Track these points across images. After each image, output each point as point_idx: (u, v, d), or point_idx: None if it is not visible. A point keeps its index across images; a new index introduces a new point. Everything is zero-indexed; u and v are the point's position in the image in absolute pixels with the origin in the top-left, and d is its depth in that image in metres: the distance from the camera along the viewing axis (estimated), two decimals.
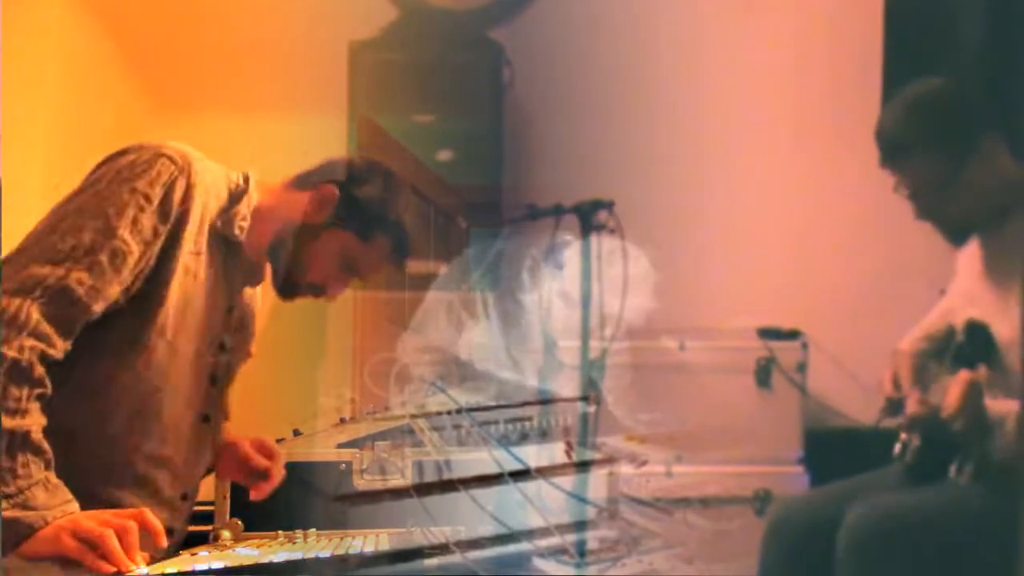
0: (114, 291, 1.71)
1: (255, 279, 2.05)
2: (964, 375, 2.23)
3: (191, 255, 1.83)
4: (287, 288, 2.01)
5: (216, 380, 1.94)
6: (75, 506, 1.60)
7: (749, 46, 3.41)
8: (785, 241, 3.35)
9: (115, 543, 1.54)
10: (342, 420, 2.01)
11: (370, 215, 1.98)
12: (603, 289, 2.26)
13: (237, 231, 1.91)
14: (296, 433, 1.96)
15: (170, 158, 1.81)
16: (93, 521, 1.56)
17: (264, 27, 3.24)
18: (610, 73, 3.39)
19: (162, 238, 1.77)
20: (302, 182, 2.02)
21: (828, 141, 3.33)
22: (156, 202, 1.76)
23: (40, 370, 1.61)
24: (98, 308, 1.69)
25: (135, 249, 1.73)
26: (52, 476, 1.60)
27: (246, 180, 1.97)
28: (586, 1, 3.44)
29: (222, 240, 1.90)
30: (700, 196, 3.32)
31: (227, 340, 1.96)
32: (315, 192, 1.99)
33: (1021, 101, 2.52)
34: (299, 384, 2.78)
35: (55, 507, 1.57)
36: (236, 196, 1.92)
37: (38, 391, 1.61)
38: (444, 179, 3.39)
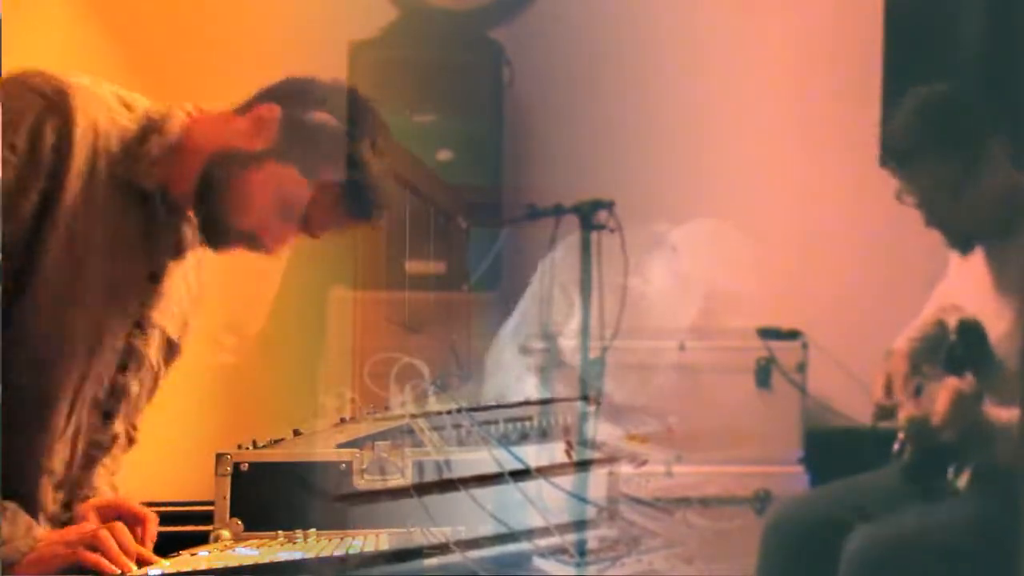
0: None
1: (192, 239, 1.67)
2: (952, 383, 2.23)
3: (79, 214, 1.49)
4: (214, 234, 1.61)
5: (127, 367, 1.65)
6: (39, 531, 1.49)
7: (749, 46, 3.41)
8: (785, 241, 3.35)
9: (112, 542, 1.45)
10: (342, 420, 2.00)
11: (318, 147, 1.59)
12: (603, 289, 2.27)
13: (144, 178, 1.56)
14: (296, 433, 1.96)
15: (39, 93, 1.47)
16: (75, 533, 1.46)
17: (264, 27, 3.24)
18: (610, 73, 3.39)
19: (35, 191, 1.45)
20: (246, 106, 1.64)
21: (828, 141, 3.33)
22: (22, 151, 1.44)
23: None
24: None
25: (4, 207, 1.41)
26: (7, 504, 1.45)
27: (167, 110, 1.61)
28: (586, 1, 3.44)
29: (133, 190, 1.57)
30: (700, 196, 3.32)
31: (152, 321, 1.66)
32: (252, 112, 1.61)
33: (1022, 104, 2.52)
34: (299, 384, 2.78)
35: (19, 538, 1.44)
36: (145, 132, 1.57)
37: None
38: (444, 179, 3.39)
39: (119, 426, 1.72)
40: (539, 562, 1.65)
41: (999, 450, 2.20)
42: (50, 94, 1.48)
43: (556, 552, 1.66)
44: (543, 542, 1.65)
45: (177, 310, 1.76)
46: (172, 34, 3.22)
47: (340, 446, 1.82)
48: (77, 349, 1.56)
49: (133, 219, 1.58)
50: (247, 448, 1.85)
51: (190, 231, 1.66)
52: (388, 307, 3.14)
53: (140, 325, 1.65)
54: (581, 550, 1.69)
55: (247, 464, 1.81)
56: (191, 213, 1.63)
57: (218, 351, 3.23)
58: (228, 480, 1.89)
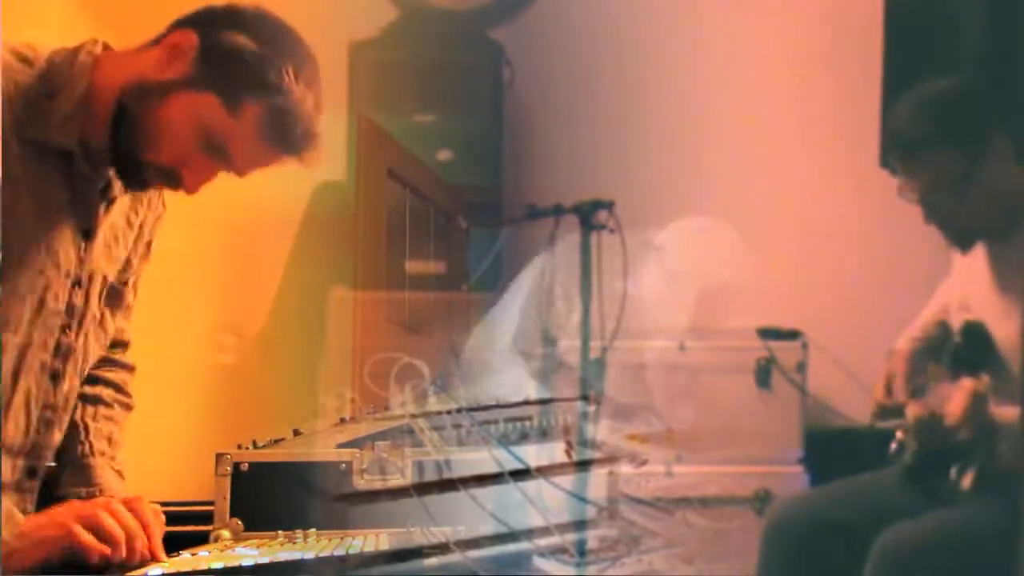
0: None
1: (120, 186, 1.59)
2: (968, 384, 2.20)
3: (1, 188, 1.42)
4: (131, 173, 1.52)
5: (69, 327, 1.60)
6: (19, 516, 1.46)
7: (749, 46, 3.41)
8: (785, 241, 3.35)
9: (110, 521, 1.43)
10: (342, 420, 2.00)
11: (238, 72, 1.48)
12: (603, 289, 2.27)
13: (60, 136, 1.47)
14: (296, 433, 1.96)
15: None
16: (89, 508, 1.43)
17: None
18: (610, 73, 3.39)
19: None
20: (159, 37, 1.55)
21: (828, 141, 3.33)
22: None
23: None
24: None
25: None
26: None
27: (71, 56, 1.51)
28: (586, 1, 3.44)
29: (51, 150, 1.49)
30: (700, 196, 3.32)
31: (83, 273, 1.59)
32: (166, 40, 1.52)
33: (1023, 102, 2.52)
34: (299, 384, 2.78)
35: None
36: (52, 88, 1.48)
37: None
38: (444, 179, 3.39)
39: (67, 384, 1.66)
40: (539, 562, 1.65)
41: (1002, 450, 2.19)
42: None
43: (556, 552, 1.66)
44: (543, 542, 1.65)
45: (118, 253, 1.69)
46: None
47: (340, 446, 1.82)
48: (20, 317, 1.51)
49: (57, 179, 1.52)
50: (247, 448, 1.85)
51: (117, 177, 1.59)
52: (388, 307, 3.14)
53: (79, 282, 1.59)
54: (581, 550, 1.69)
55: (247, 464, 1.81)
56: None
57: (218, 351, 3.23)
58: (228, 480, 1.88)
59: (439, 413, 1.78)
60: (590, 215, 2.32)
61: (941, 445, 2.28)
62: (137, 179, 1.54)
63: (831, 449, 3.03)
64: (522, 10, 3.53)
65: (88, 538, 1.45)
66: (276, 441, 1.89)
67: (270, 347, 3.22)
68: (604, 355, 2.33)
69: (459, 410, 1.77)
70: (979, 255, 2.38)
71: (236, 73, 1.49)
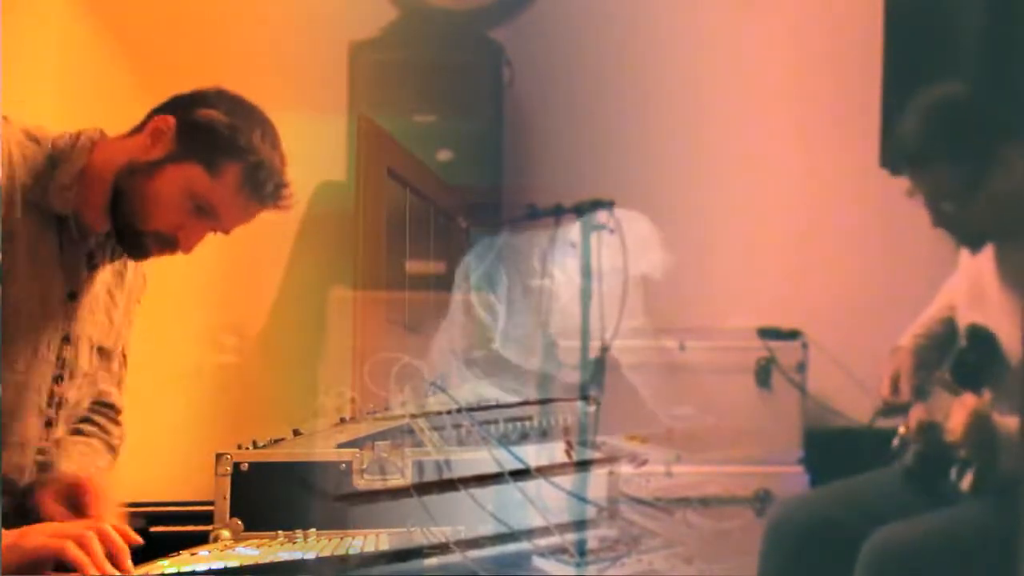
0: None
1: (110, 254, 1.82)
2: (970, 400, 2.20)
3: (5, 241, 1.63)
4: (131, 243, 1.75)
5: (61, 378, 1.79)
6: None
7: (749, 46, 3.41)
8: (785, 241, 3.35)
9: (97, 546, 1.47)
10: (342, 420, 2.00)
11: (212, 140, 1.71)
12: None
13: (57, 203, 1.69)
14: (296, 433, 1.96)
15: None
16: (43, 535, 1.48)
17: (264, 27, 3.24)
18: (610, 73, 3.39)
19: None
20: (140, 125, 1.78)
21: (828, 141, 3.33)
22: None
23: None
24: None
25: None
26: None
27: (73, 139, 1.75)
28: (586, 1, 3.44)
29: (47, 215, 1.70)
30: (700, 196, 3.32)
31: (72, 331, 1.78)
32: (148, 126, 1.75)
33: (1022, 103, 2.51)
34: (299, 384, 2.78)
35: None
36: (54, 163, 1.71)
37: None
38: (444, 179, 3.39)
39: (60, 431, 1.83)
40: (539, 562, 1.65)
41: (1003, 454, 2.19)
42: None
43: (556, 552, 1.66)
44: (543, 542, 1.65)
45: (104, 319, 1.87)
46: (171, 34, 3.22)
47: (340, 446, 1.82)
48: (17, 364, 1.70)
49: (49, 242, 1.72)
50: (247, 448, 1.85)
51: (99, 248, 1.80)
52: (388, 307, 3.14)
53: (68, 338, 1.78)
54: (581, 550, 1.69)
55: (247, 464, 1.81)
56: (99, 230, 1.77)
57: (218, 351, 3.23)
58: (228, 480, 1.88)
59: (439, 413, 1.78)
60: (590, 215, 2.32)
61: (941, 446, 2.28)
62: (138, 248, 1.76)
63: (831, 449, 3.03)
64: (522, 10, 3.53)
65: (80, 558, 1.48)
66: (276, 441, 1.90)
67: (270, 347, 3.22)
68: (604, 355, 2.33)
69: (459, 410, 1.77)
70: (987, 253, 2.37)
71: (212, 142, 1.71)
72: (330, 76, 3.25)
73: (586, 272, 2.27)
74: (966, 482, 2.25)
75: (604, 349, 2.25)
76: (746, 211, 3.33)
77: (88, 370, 1.86)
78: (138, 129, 1.78)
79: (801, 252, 3.36)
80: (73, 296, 1.77)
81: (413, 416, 1.77)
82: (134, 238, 1.74)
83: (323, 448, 1.85)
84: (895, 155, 2.33)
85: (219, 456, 1.82)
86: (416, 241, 3.30)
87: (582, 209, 2.33)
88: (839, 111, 3.29)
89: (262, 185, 1.74)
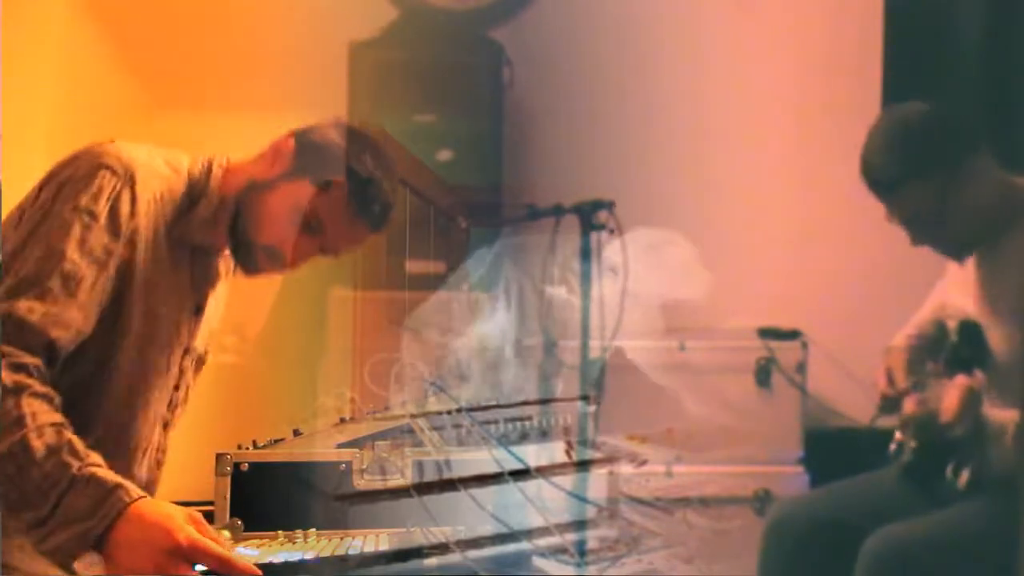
0: (73, 315, 1.60)
1: (225, 270, 1.93)
2: (962, 381, 2.22)
3: (151, 268, 1.73)
4: (245, 257, 1.84)
5: (178, 387, 1.91)
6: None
7: (749, 46, 3.41)
8: (785, 241, 3.35)
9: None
10: (342, 420, 2.00)
11: (326, 157, 1.81)
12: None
13: (197, 237, 1.80)
14: (296, 433, 1.96)
15: (111, 169, 1.67)
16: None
17: (264, 27, 3.24)
18: (610, 73, 3.39)
19: (116, 256, 1.66)
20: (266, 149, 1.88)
21: (828, 141, 3.33)
22: (103, 219, 1.65)
23: (36, 385, 1.53)
24: (58, 334, 1.59)
25: (87, 271, 1.62)
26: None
27: (207, 172, 1.82)
28: (586, 1, 3.44)
29: (186, 245, 1.80)
30: (700, 196, 3.32)
31: (194, 345, 1.91)
32: (271, 147, 1.84)
33: (1022, 104, 2.51)
34: (299, 384, 2.78)
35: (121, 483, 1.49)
36: (194, 196, 1.79)
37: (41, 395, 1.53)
38: (444, 179, 3.38)
39: (174, 431, 1.96)
40: (539, 562, 1.65)
41: (997, 450, 2.20)
42: (120, 172, 1.67)
43: (556, 552, 1.66)
44: (543, 542, 1.66)
45: (207, 329, 1.97)
46: (172, 35, 3.22)
47: (340, 446, 1.82)
48: (152, 380, 1.80)
49: (184, 267, 1.81)
50: (247, 448, 1.85)
51: (223, 263, 1.91)
52: (388, 307, 3.14)
53: (187, 350, 1.89)
54: (581, 550, 1.70)
55: (247, 464, 1.81)
56: (224, 250, 1.86)
57: (218, 351, 3.23)
58: (228, 480, 1.89)
59: (439, 413, 1.78)
60: (590, 215, 2.32)
61: (937, 443, 2.28)
62: (251, 262, 1.83)
63: (831, 449, 3.03)
64: (522, 10, 3.53)
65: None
66: (276, 441, 1.90)
67: (270, 347, 3.22)
68: (604, 355, 2.33)
69: (459, 410, 1.77)
70: (972, 259, 2.39)
71: (324, 160, 1.80)
72: (330, 76, 3.25)
73: (586, 272, 2.27)
74: (962, 479, 2.26)
75: (604, 349, 2.25)
76: (746, 211, 3.33)
77: (191, 381, 1.96)
78: (262, 154, 1.86)
79: (801, 252, 3.36)
80: (198, 310, 1.88)
81: (413, 416, 1.77)
82: (247, 253, 1.82)
83: (323, 448, 1.85)
84: (866, 181, 2.34)
85: (219, 456, 1.82)
86: (416, 241, 3.30)
87: (582, 209, 2.33)
88: (839, 112, 3.29)
89: (369, 204, 1.81)
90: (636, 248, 2.14)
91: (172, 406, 1.92)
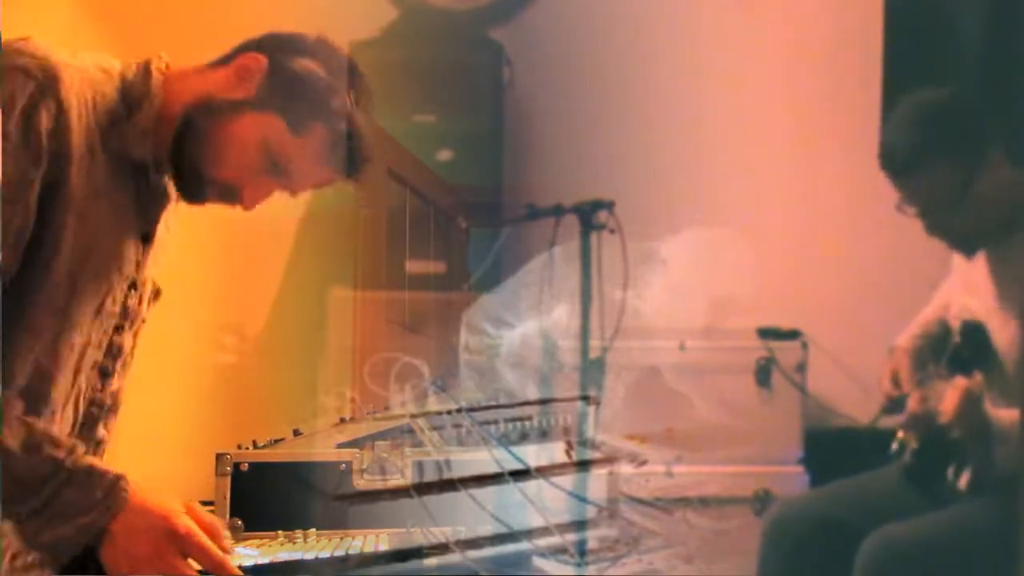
0: None
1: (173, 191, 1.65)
2: (961, 382, 2.22)
3: (85, 192, 1.48)
4: (192, 186, 1.57)
5: (121, 328, 1.65)
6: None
7: (749, 46, 3.41)
8: (785, 241, 3.35)
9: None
10: (342, 420, 2.00)
11: (305, 96, 1.56)
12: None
13: (137, 149, 1.53)
14: (296, 433, 1.96)
15: (24, 70, 1.41)
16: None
17: (264, 27, 3.23)
18: (610, 73, 3.39)
19: (37, 183, 1.42)
20: (226, 58, 1.61)
21: (828, 141, 3.33)
22: (16, 138, 1.39)
23: None
24: None
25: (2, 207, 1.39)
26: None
27: (144, 74, 1.56)
28: (586, 1, 3.44)
29: (125, 160, 1.54)
30: (700, 196, 3.32)
31: (143, 278, 1.66)
32: (235, 62, 1.58)
33: (1022, 104, 2.51)
34: (299, 384, 2.78)
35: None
36: (131, 102, 1.53)
37: None
38: (444, 179, 3.39)
39: (115, 383, 1.71)
40: (539, 562, 1.65)
41: (999, 451, 2.19)
42: (39, 74, 1.42)
43: (556, 552, 1.67)
44: (543, 542, 1.66)
45: (162, 258, 1.74)
46: (172, 34, 3.22)
47: (340, 446, 1.82)
48: (86, 318, 1.56)
49: (126, 186, 1.57)
50: (247, 448, 1.85)
51: (171, 185, 1.64)
52: (388, 307, 3.14)
53: (134, 285, 1.64)
54: (581, 550, 1.70)
55: (247, 464, 1.81)
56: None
57: (218, 351, 3.22)
58: (228, 480, 1.89)
59: (439, 413, 1.78)
60: (590, 215, 2.33)
61: (938, 443, 2.28)
62: (198, 193, 1.59)
63: (831, 449, 3.03)
64: (522, 10, 3.53)
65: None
66: (276, 441, 1.90)
67: (270, 347, 3.22)
68: (604, 355, 2.34)
69: (459, 410, 1.77)
70: (979, 257, 2.39)
71: (303, 97, 1.55)
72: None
73: (586, 273, 2.28)
74: (963, 481, 2.26)
75: (604, 349, 2.25)
76: (746, 210, 3.33)
77: (144, 317, 1.71)
78: (221, 62, 1.61)
79: (801, 252, 3.36)
80: (147, 238, 1.63)
81: (413, 416, 1.77)
82: (196, 183, 1.57)
83: (323, 448, 1.85)
84: (885, 165, 2.33)
85: (219, 456, 1.82)
86: (416, 241, 3.30)
87: (582, 209, 2.33)
88: (839, 111, 3.29)
89: (348, 154, 1.58)
90: (691, 245, 2.14)
91: (114, 350, 1.66)
